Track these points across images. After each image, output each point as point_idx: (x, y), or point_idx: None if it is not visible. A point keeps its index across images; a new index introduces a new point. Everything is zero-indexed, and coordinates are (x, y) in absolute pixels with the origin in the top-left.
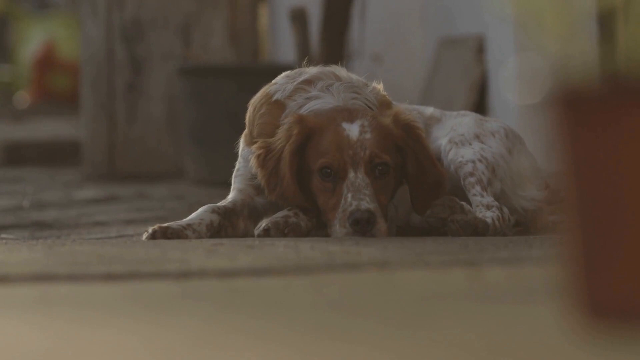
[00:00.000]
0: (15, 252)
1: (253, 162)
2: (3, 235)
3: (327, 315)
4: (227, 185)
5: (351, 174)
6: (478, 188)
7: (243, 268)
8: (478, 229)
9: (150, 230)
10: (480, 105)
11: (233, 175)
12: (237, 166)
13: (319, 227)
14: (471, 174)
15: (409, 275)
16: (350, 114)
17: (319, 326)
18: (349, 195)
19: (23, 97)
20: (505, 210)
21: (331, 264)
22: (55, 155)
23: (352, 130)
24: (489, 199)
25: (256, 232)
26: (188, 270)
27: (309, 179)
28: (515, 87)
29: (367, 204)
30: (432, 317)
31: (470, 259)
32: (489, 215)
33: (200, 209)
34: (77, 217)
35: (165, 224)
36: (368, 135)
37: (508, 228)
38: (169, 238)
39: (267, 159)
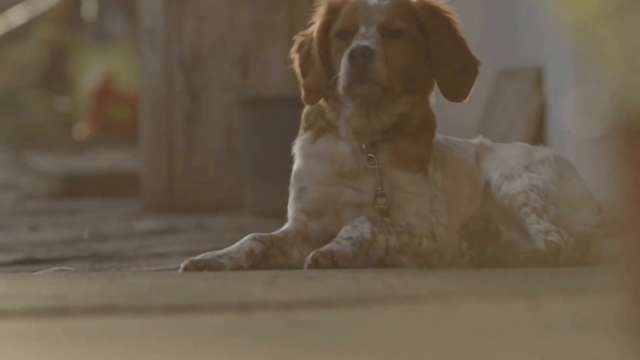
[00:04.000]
0: (75, 284)
1: (292, 50)
2: (63, 267)
3: (388, 347)
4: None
5: (362, 29)
6: (534, 216)
7: (304, 300)
8: (550, 255)
9: (182, 265)
10: (538, 137)
11: (289, 198)
12: (291, 179)
13: (365, 253)
14: (525, 204)
15: (469, 307)
16: None
17: (380, 359)
18: (357, 41)
19: (82, 128)
20: (564, 233)
21: (391, 295)
22: (114, 186)
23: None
24: (546, 225)
25: (306, 265)
26: (248, 302)
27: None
28: (576, 120)
29: (367, 42)
30: (493, 349)
31: (530, 290)
32: (550, 240)
33: (243, 238)
34: (137, 248)
35: (198, 256)
36: (386, 2)
37: (571, 250)
38: (201, 270)
39: (302, 44)
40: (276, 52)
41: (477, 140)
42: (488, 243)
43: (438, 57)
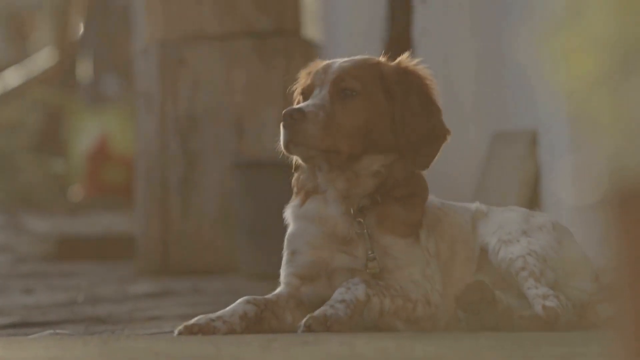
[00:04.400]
0: (70, 348)
1: None
2: (58, 331)
3: None
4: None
5: (316, 91)
6: (532, 281)
7: None
8: (550, 320)
9: (176, 331)
10: (533, 201)
11: (282, 262)
12: (284, 243)
13: (359, 315)
14: (523, 269)
15: None
16: None
17: None
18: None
19: (77, 191)
20: (562, 297)
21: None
22: (109, 249)
23: (337, 62)
24: (544, 289)
25: (299, 330)
26: None
27: None
28: (570, 186)
29: (304, 104)
30: None
31: (525, 355)
32: (549, 305)
33: (237, 301)
34: (131, 312)
35: (192, 321)
36: (346, 65)
37: (570, 314)
38: (195, 334)
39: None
40: (271, 115)
41: (474, 206)
42: (485, 312)
43: (402, 121)
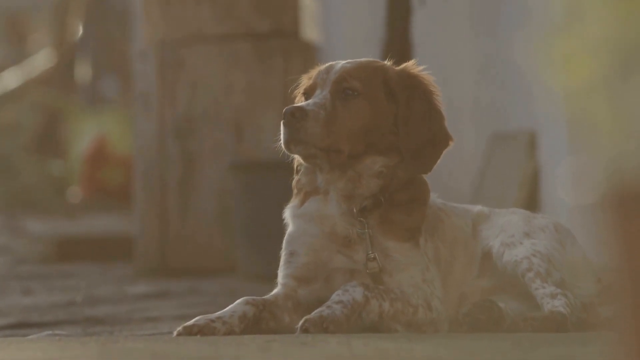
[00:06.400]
0: (67, 349)
1: None
2: (56, 332)
3: None
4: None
5: (318, 91)
6: (538, 281)
7: None
8: (558, 323)
9: (175, 332)
10: (532, 202)
11: (280, 263)
12: (283, 244)
13: (358, 316)
14: (528, 270)
15: None
16: None
17: None
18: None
19: (76, 192)
20: (570, 295)
21: None
22: (108, 250)
23: (340, 63)
24: (551, 288)
25: (297, 333)
26: None
27: None
28: (569, 187)
29: (305, 103)
30: None
31: (523, 357)
32: (557, 304)
33: (236, 302)
34: (130, 312)
35: (191, 322)
36: (349, 65)
37: (579, 312)
38: (194, 335)
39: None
40: (270, 117)
41: (476, 208)
42: (493, 329)
43: (404, 125)
